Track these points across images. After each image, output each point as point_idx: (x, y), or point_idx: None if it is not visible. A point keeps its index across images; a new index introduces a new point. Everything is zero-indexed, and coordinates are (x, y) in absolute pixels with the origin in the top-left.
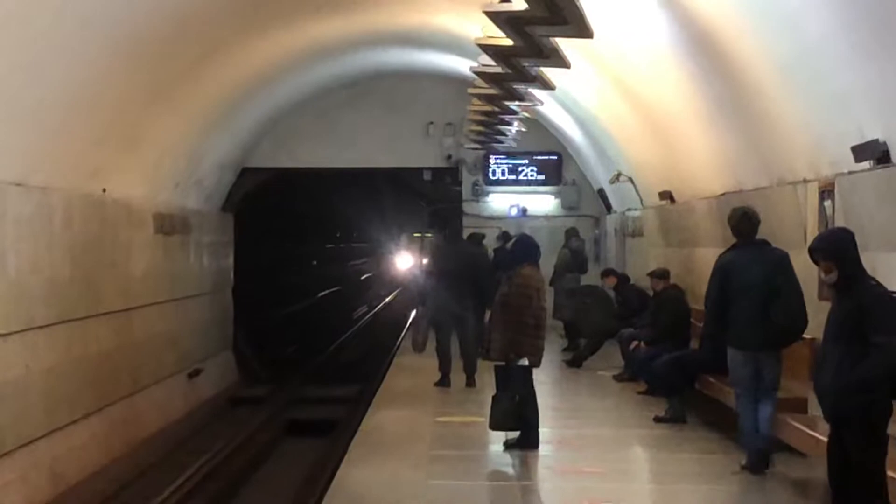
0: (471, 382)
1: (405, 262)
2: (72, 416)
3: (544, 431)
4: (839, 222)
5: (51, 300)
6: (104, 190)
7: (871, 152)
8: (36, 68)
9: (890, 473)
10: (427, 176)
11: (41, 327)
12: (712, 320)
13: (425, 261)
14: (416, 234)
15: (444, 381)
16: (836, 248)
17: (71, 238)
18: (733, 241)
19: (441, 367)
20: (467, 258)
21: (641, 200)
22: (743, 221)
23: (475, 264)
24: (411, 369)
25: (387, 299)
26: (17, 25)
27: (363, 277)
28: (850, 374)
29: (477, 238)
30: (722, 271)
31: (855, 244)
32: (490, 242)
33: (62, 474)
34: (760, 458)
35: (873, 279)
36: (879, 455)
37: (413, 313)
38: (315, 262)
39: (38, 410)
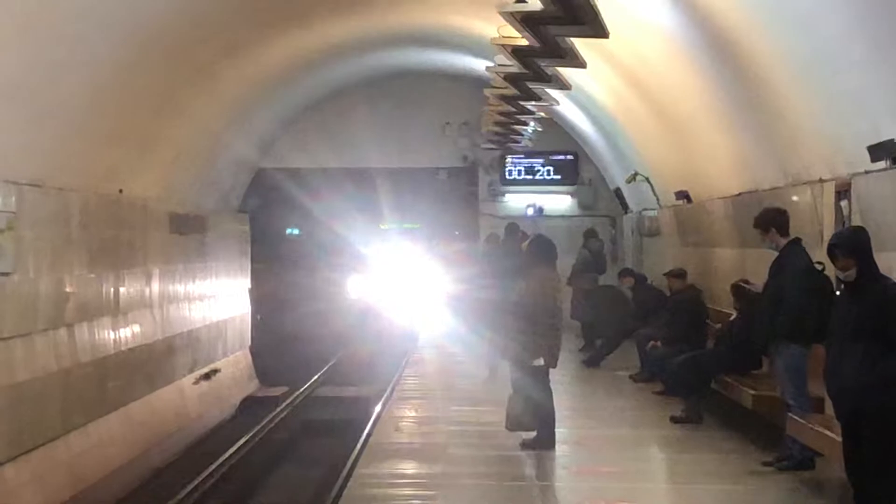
0: None
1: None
2: (90, 416)
3: (561, 431)
4: (855, 222)
5: (68, 300)
6: (121, 190)
7: (888, 152)
8: (53, 70)
9: None
10: (443, 175)
11: (59, 328)
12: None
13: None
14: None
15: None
16: (857, 245)
17: (88, 239)
18: (748, 240)
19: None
20: None
21: (658, 200)
22: (786, 217)
23: None
24: (425, 370)
25: None
26: (35, 27)
27: None
28: (876, 370)
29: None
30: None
31: (870, 243)
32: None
33: (82, 469)
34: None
35: (888, 278)
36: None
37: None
38: None
39: (55, 410)
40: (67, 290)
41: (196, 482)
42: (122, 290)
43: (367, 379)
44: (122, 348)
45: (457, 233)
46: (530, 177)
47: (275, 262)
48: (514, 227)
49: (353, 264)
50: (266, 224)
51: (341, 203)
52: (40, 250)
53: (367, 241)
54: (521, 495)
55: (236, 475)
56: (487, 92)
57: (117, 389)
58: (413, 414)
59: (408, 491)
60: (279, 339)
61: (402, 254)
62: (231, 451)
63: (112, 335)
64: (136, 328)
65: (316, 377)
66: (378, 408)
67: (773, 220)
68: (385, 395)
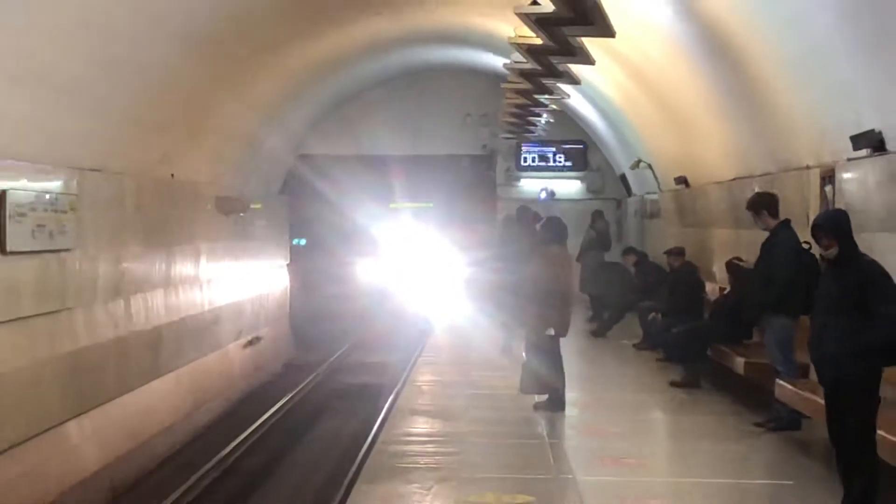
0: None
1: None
2: (144, 379)
3: (570, 395)
4: (839, 205)
5: (124, 274)
6: (172, 175)
7: (869, 141)
8: (111, 65)
9: (879, 431)
10: (465, 162)
11: (116, 299)
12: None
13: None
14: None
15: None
16: (838, 226)
17: (142, 218)
18: (741, 221)
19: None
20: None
21: (659, 185)
22: (777, 201)
23: None
24: (445, 342)
25: None
26: (95, 26)
27: None
28: (857, 340)
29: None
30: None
31: (850, 224)
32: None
33: (136, 427)
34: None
35: (867, 256)
36: (873, 414)
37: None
38: None
39: (112, 374)
40: (124, 264)
41: (239, 439)
42: (173, 265)
43: (391, 351)
44: (174, 318)
45: (476, 215)
46: (543, 163)
47: (299, 247)
48: (524, 210)
49: (364, 248)
50: (294, 210)
51: (362, 189)
52: (99, 229)
53: (381, 226)
54: (535, 452)
55: (276, 432)
56: (505, 86)
57: (169, 355)
58: (435, 379)
59: (432, 448)
60: (306, 317)
61: (415, 235)
62: (271, 410)
63: (164, 306)
64: (186, 299)
65: (344, 348)
66: (405, 374)
67: (764, 203)
68: (410, 364)
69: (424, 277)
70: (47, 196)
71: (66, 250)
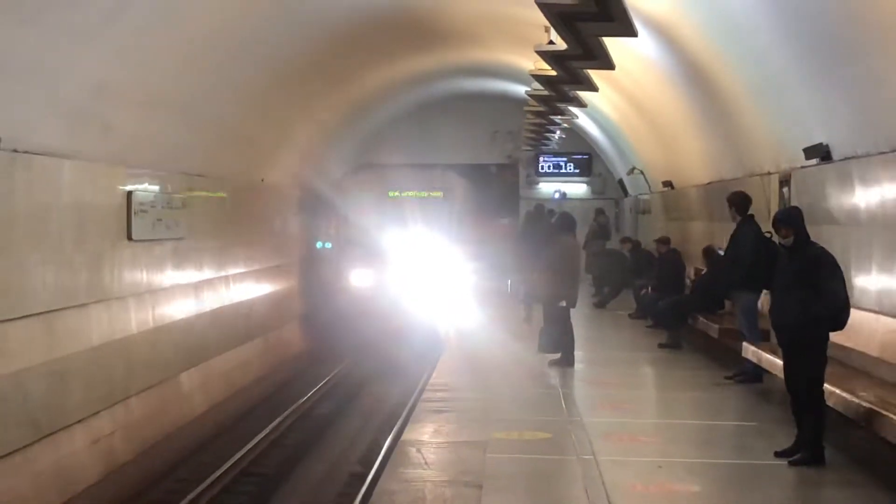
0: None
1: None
2: (239, 342)
3: (578, 354)
4: (794, 203)
5: (225, 259)
6: (262, 179)
7: (818, 152)
8: (212, 92)
9: (826, 385)
10: (493, 170)
11: (219, 278)
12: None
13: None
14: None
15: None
16: (793, 219)
17: (239, 214)
18: (715, 216)
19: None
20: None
21: (649, 187)
22: (748, 201)
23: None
24: (477, 319)
25: None
26: (196, 60)
27: None
28: (809, 311)
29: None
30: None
31: (803, 217)
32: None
33: (232, 378)
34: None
35: (817, 243)
36: (822, 370)
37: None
38: None
39: (215, 337)
40: (225, 251)
41: (315, 389)
42: (264, 251)
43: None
44: (263, 293)
45: (502, 211)
46: (557, 170)
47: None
48: (540, 207)
49: (359, 257)
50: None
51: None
52: (205, 223)
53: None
54: (550, 399)
55: (346, 381)
56: (526, 109)
57: (258, 324)
58: (469, 346)
59: (468, 395)
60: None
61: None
62: (339, 368)
63: (256, 284)
64: (274, 279)
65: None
66: (445, 343)
67: (737, 201)
68: (449, 335)
69: (428, 285)
70: (164, 196)
71: (179, 239)
